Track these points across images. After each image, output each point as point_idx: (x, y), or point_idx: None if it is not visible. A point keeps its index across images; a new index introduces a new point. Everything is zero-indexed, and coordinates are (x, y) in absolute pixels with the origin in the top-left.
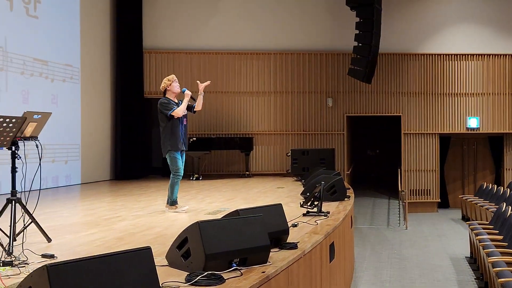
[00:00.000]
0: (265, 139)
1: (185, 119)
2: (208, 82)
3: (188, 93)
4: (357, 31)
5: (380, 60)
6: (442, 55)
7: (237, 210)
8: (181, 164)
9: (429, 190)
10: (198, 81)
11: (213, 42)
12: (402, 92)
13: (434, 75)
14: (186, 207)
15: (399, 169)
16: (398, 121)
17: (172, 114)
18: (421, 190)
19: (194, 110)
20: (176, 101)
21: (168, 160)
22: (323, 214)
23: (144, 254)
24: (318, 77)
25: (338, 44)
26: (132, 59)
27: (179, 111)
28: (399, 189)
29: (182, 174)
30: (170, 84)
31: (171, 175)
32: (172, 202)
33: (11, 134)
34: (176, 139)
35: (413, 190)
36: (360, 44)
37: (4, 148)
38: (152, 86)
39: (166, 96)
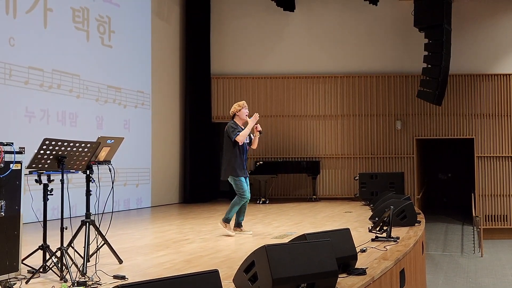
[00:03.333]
0: (332, 162)
1: (247, 147)
2: (255, 116)
3: (251, 120)
4: (426, 53)
5: (450, 81)
6: None
7: (304, 234)
8: (246, 187)
9: (506, 215)
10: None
11: (280, 66)
12: (475, 114)
13: (509, 96)
14: (233, 234)
15: (473, 194)
16: (471, 144)
17: (235, 139)
18: (498, 215)
19: (251, 145)
20: (243, 128)
21: (233, 184)
22: (392, 239)
23: (211, 277)
24: (386, 99)
25: (407, 66)
26: (200, 85)
27: (241, 137)
28: (474, 214)
29: (249, 197)
30: (240, 110)
31: (236, 196)
32: (226, 219)
33: (86, 158)
34: (241, 165)
35: (488, 215)
36: (429, 66)
37: (80, 172)
38: (219, 110)
39: (234, 120)
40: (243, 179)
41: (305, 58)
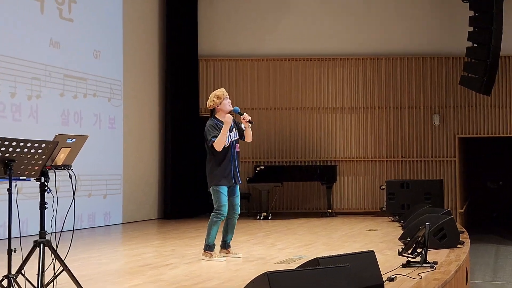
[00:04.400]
0: (352, 167)
1: (237, 144)
2: (246, 118)
3: (229, 119)
4: (472, 28)
5: (502, 64)
6: None
7: (316, 258)
8: (225, 200)
9: None
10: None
11: (286, 46)
12: None
13: None
14: (224, 258)
15: None
16: None
17: (213, 144)
18: None
19: (244, 139)
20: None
21: (212, 194)
22: (429, 265)
23: None
24: (420, 87)
25: (447, 45)
26: (185, 69)
27: (218, 144)
28: None
29: (226, 213)
30: (221, 103)
31: (212, 213)
32: (207, 247)
33: (40, 162)
34: (223, 170)
35: None
36: (475, 45)
37: (32, 179)
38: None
39: (216, 116)
40: (224, 190)
41: (317, 35)
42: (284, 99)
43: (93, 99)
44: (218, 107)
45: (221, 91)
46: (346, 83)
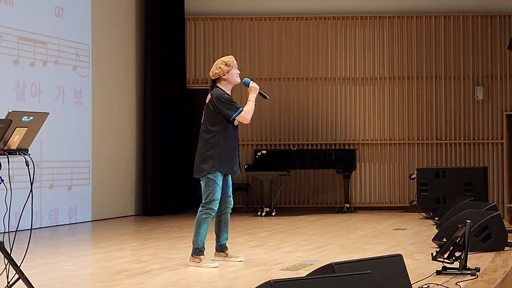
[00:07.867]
0: (375, 152)
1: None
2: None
3: (254, 86)
4: None
5: None
6: None
7: (331, 264)
8: (220, 193)
9: None
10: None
11: (294, 1)
12: None
13: None
14: (216, 264)
15: None
16: None
17: (236, 118)
18: None
19: None
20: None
21: (202, 184)
22: (469, 272)
23: None
24: (460, 53)
25: (494, 0)
26: (168, 31)
27: (248, 114)
28: None
29: (216, 208)
30: (228, 71)
31: (200, 208)
32: (196, 251)
33: None
34: (229, 155)
35: None
36: None
37: None
38: (198, 70)
39: (219, 86)
40: (220, 179)
41: None
42: (292, 68)
43: (54, 68)
44: (225, 76)
45: (230, 58)
46: (368, 47)
